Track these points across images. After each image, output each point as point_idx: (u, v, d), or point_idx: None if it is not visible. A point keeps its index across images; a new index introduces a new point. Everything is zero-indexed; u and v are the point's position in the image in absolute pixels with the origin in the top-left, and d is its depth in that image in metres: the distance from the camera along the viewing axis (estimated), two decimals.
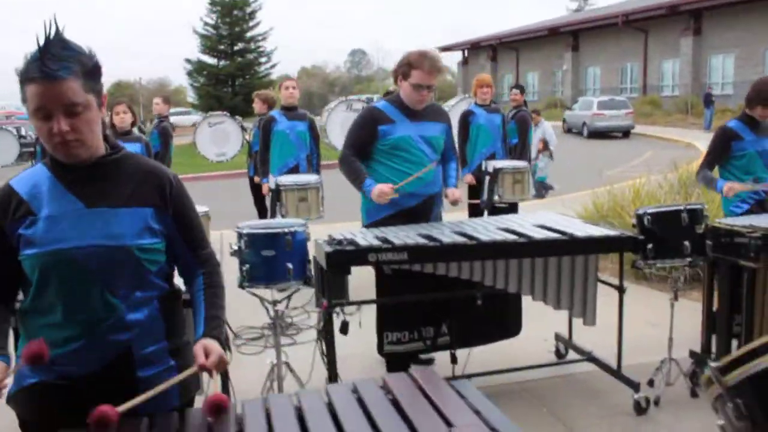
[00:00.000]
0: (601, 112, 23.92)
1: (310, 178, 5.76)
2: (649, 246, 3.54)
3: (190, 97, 26.25)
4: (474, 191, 6.76)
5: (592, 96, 28.82)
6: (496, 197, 6.45)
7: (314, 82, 73.82)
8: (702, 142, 21.64)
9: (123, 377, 1.79)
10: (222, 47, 23.28)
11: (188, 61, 23.85)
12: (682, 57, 29.09)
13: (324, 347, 3.53)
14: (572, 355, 4.30)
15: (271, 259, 3.30)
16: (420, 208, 3.93)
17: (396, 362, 4.04)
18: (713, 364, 1.50)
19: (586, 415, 3.63)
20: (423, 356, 4.28)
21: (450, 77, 53.05)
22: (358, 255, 3.30)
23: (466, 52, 44.62)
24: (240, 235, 3.37)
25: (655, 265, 3.61)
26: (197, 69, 23.72)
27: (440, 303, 3.82)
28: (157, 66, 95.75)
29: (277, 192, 5.78)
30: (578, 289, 3.57)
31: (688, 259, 3.51)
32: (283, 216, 5.84)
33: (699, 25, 28.49)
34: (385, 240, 3.39)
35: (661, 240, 3.52)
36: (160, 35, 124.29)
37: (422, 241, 3.35)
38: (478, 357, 4.16)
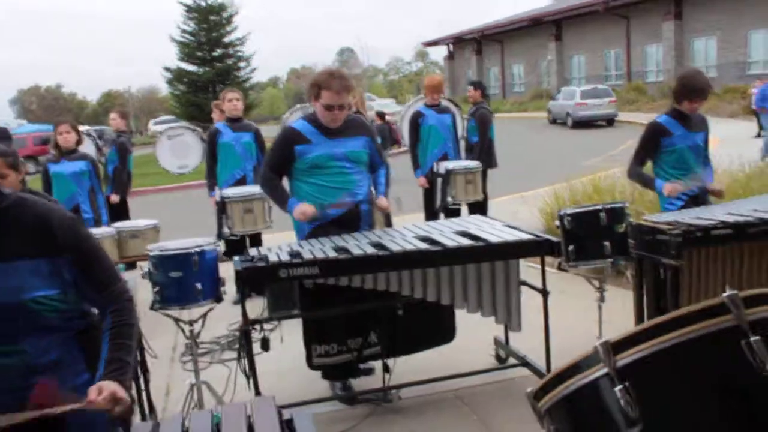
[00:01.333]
0: (583, 102, 23.82)
1: (254, 189, 5.70)
2: (570, 248, 3.49)
3: (173, 105, 26.14)
4: (429, 194, 6.71)
5: (578, 85, 28.74)
6: (449, 199, 6.41)
7: (304, 82, 73.69)
8: None
9: (47, 416, 1.76)
10: (201, 54, 23.21)
11: (167, 69, 23.82)
12: (665, 42, 28.99)
13: (245, 365, 3.48)
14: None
15: (179, 280, 3.26)
16: (347, 217, 3.89)
17: (331, 372, 4.00)
18: (528, 389, 1.45)
19: (515, 421, 3.57)
20: (362, 366, 4.25)
21: (438, 71, 53.00)
22: (269, 271, 3.26)
23: (451, 46, 44.51)
24: (150, 257, 3.33)
25: (577, 267, 3.54)
26: (177, 77, 23.65)
27: (367, 313, 3.77)
28: (147, 73, 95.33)
29: (222, 204, 5.73)
30: (500, 294, 3.51)
31: (609, 260, 3.44)
32: (229, 228, 5.79)
33: (680, 9, 28.39)
34: (296, 254, 3.34)
35: (581, 241, 3.47)
36: (149, 41, 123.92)
37: (333, 254, 3.30)
38: (418, 364, 4.12)
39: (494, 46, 39.97)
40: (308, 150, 3.80)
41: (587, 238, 3.45)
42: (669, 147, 4.18)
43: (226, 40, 23.60)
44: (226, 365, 4.50)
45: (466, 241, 3.33)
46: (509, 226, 3.65)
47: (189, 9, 23.00)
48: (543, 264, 3.54)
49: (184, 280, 3.25)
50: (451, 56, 44.72)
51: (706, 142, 4.37)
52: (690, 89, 4.15)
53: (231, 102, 6.17)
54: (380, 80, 76.68)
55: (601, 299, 3.58)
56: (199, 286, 3.25)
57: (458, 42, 43.19)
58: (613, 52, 32.36)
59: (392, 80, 73.93)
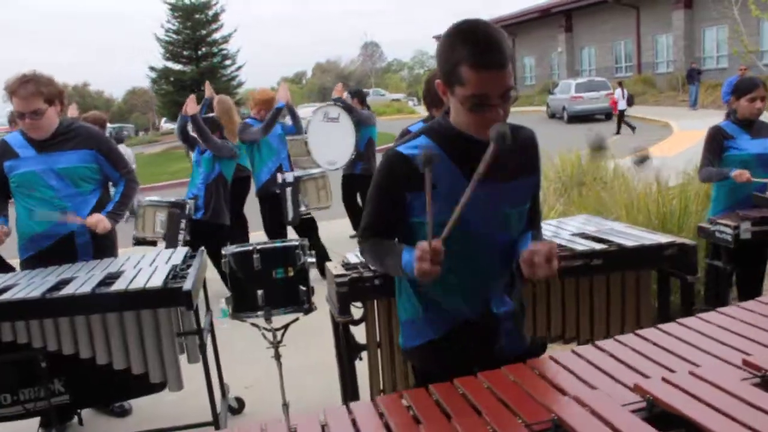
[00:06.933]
0: (579, 95, 22.88)
1: None
2: (227, 296, 2.96)
3: (158, 105, 26.00)
4: (269, 209, 6.15)
5: (587, 77, 27.64)
6: (302, 208, 6.03)
7: (329, 77, 73.51)
8: (682, 120, 20.50)
9: None
10: (186, 53, 23.01)
11: (152, 68, 23.69)
12: (675, 32, 27.68)
13: None
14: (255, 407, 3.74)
15: None
16: (58, 248, 3.51)
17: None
18: None
19: None
20: (117, 407, 3.87)
21: None
22: None
23: None
24: None
25: (242, 319, 2.99)
26: (162, 75, 23.43)
27: (50, 359, 3.31)
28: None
29: None
30: (151, 349, 3.00)
31: (260, 313, 2.88)
32: None
33: None
34: None
35: (239, 288, 2.93)
36: None
37: None
38: (155, 411, 3.76)
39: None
40: (16, 166, 3.45)
41: (244, 284, 2.90)
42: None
43: (211, 38, 23.30)
44: None
45: (85, 289, 2.84)
46: (184, 267, 3.12)
47: (174, 8, 22.78)
48: (198, 318, 2.99)
49: None
50: None
51: None
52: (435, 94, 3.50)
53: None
54: (405, 75, 75.97)
55: (277, 356, 3.02)
56: None
57: None
58: (623, 43, 31.11)
59: (418, 74, 73.06)
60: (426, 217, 1.66)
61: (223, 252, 2.95)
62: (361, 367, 2.99)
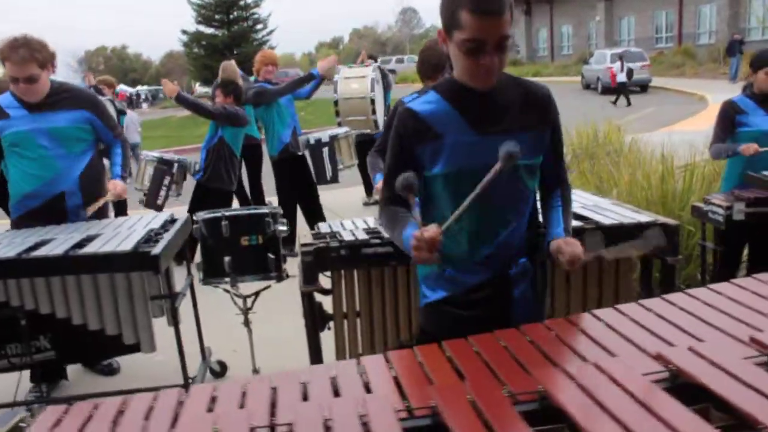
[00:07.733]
0: (613, 66, 22.22)
1: None
2: (198, 261, 2.97)
3: (190, 69, 26.21)
4: (290, 169, 6.13)
5: (625, 47, 26.89)
6: (340, 166, 6.19)
7: (366, 43, 72.99)
8: (719, 94, 19.87)
9: None
10: (218, 16, 23.00)
11: (185, 32, 23.75)
12: (719, 1, 26.69)
13: None
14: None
15: None
16: (46, 208, 3.54)
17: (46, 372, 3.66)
18: None
19: None
20: (105, 366, 3.96)
21: None
22: None
23: None
24: None
25: (212, 285, 3.00)
26: (194, 39, 23.53)
27: (33, 315, 3.39)
28: None
29: None
30: (124, 310, 3.04)
31: (226, 280, 2.89)
32: None
33: None
34: None
35: (209, 254, 2.94)
36: None
37: None
38: (130, 371, 3.82)
39: (543, 6, 38.01)
40: (7, 126, 3.49)
41: (214, 250, 2.91)
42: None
43: (242, 2, 23.21)
44: None
45: (58, 251, 2.88)
46: (161, 231, 3.14)
47: None
48: (167, 278, 3.02)
49: None
50: None
51: None
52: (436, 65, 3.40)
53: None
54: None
55: (246, 323, 3.04)
56: None
57: None
58: (664, 13, 30.12)
59: None
60: (435, 169, 1.82)
61: (194, 218, 2.95)
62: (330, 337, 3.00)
